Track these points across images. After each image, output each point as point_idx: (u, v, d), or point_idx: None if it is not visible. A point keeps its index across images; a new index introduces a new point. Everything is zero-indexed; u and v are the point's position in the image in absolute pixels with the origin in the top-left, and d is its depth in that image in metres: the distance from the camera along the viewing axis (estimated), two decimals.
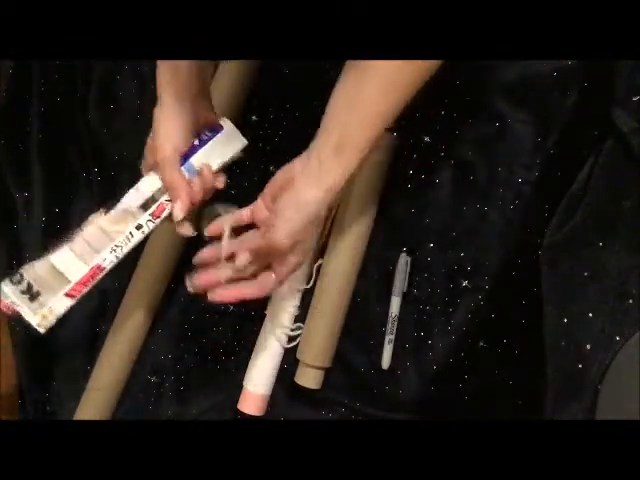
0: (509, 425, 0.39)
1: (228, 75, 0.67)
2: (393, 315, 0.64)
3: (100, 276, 0.52)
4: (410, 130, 0.64)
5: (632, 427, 0.36)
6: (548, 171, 0.61)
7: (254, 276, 0.52)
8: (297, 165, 0.49)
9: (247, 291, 0.52)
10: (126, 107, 0.75)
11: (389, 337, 0.64)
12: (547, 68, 0.60)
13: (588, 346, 0.44)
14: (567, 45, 0.39)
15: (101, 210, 0.51)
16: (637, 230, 0.44)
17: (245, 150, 0.55)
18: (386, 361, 0.64)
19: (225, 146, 0.54)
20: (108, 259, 0.51)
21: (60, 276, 0.50)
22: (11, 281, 0.49)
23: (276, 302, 0.66)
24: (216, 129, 0.54)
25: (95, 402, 0.70)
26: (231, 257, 0.51)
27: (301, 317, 0.67)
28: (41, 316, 0.49)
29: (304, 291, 0.67)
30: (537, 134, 0.61)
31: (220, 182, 0.54)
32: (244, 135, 0.56)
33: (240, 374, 0.68)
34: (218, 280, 0.52)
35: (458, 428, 0.40)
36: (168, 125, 0.50)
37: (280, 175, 0.50)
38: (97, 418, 0.69)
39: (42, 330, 0.50)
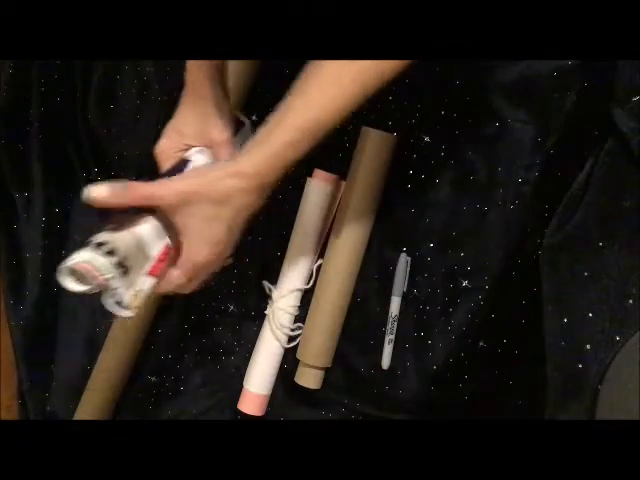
0: (509, 425, 0.39)
1: (228, 75, 0.67)
2: (393, 315, 0.64)
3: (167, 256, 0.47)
4: (410, 130, 0.64)
5: (632, 427, 0.36)
6: (548, 171, 0.61)
7: None
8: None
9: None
10: (126, 107, 0.75)
11: (389, 337, 0.64)
12: (547, 68, 0.60)
13: (588, 346, 0.44)
14: (567, 45, 0.39)
15: None
16: (637, 230, 0.44)
17: None
18: (386, 361, 0.64)
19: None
20: None
21: (144, 251, 0.44)
22: (99, 248, 0.41)
23: (276, 302, 0.66)
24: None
25: (95, 402, 0.70)
26: None
27: (301, 317, 0.67)
28: (133, 296, 0.43)
29: (304, 291, 0.67)
30: (537, 134, 0.61)
31: None
32: None
33: (240, 374, 0.68)
34: None
35: (458, 428, 0.40)
36: (212, 106, 0.51)
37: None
38: (97, 418, 0.69)
39: (129, 313, 0.43)
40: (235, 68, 0.67)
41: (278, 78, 0.69)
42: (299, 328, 0.67)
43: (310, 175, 0.66)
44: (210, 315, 0.71)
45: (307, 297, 0.67)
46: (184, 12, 0.41)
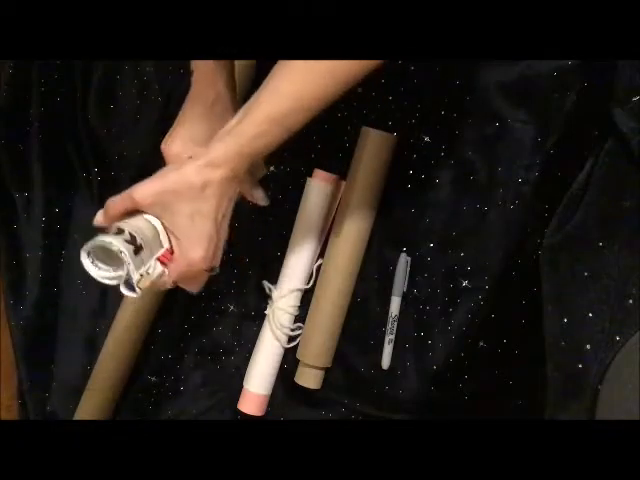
0: (509, 425, 0.39)
1: None
2: (393, 315, 0.64)
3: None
4: (410, 130, 0.64)
5: (632, 427, 0.36)
6: (548, 171, 0.61)
7: None
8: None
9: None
10: (126, 107, 0.75)
11: (389, 337, 0.64)
12: (547, 68, 0.60)
13: (588, 346, 0.44)
14: (567, 45, 0.39)
15: None
16: (637, 230, 0.44)
17: None
18: (386, 361, 0.64)
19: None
20: None
21: (156, 237, 0.46)
22: (111, 232, 0.44)
23: (276, 302, 0.66)
24: None
25: (95, 402, 0.70)
26: None
27: (301, 317, 0.67)
28: (140, 275, 0.44)
29: (304, 291, 0.67)
30: (537, 134, 0.61)
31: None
32: None
33: (240, 374, 0.68)
34: None
35: (458, 428, 0.40)
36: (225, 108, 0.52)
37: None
38: (97, 418, 0.69)
39: (135, 294, 0.44)
40: (235, 68, 0.67)
41: None
42: (299, 328, 0.67)
43: (310, 175, 0.66)
44: (210, 315, 0.71)
45: (307, 297, 0.67)
46: (184, 12, 0.41)
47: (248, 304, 0.70)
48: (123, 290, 0.44)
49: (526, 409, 0.61)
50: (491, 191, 0.62)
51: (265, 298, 0.68)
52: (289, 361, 0.67)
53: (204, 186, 0.44)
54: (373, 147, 0.63)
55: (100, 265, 0.43)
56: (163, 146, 0.53)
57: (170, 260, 0.47)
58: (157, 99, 0.73)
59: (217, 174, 0.44)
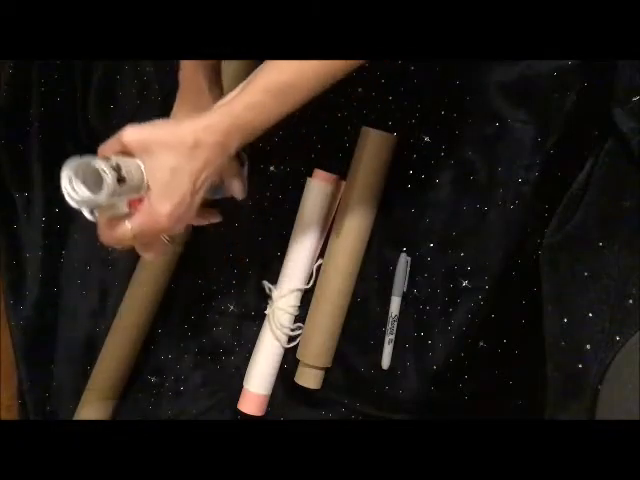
0: (509, 425, 0.39)
1: (229, 75, 0.67)
2: (393, 315, 0.64)
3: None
4: (410, 130, 0.64)
5: (632, 427, 0.36)
6: (548, 171, 0.61)
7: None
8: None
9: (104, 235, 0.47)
10: (126, 107, 0.75)
11: (389, 337, 0.64)
12: (547, 68, 0.60)
13: (588, 346, 0.44)
14: (567, 45, 0.39)
15: None
16: (637, 230, 0.44)
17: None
18: (386, 361, 0.64)
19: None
20: None
21: (140, 181, 0.44)
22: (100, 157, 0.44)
23: (276, 302, 0.66)
24: None
25: (95, 402, 0.70)
26: None
27: (301, 317, 0.67)
28: (111, 204, 0.44)
29: (304, 291, 0.67)
30: (537, 134, 0.61)
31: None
32: None
33: (240, 374, 0.68)
34: None
35: (458, 428, 0.40)
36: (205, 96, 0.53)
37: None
38: (97, 418, 0.69)
39: (93, 218, 0.44)
40: (235, 68, 0.67)
41: None
42: (299, 328, 0.67)
43: (310, 175, 0.66)
44: (210, 315, 0.71)
45: (307, 297, 0.67)
46: (184, 12, 0.41)
47: (248, 304, 0.70)
48: (85, 212, 0.44)
49: (526, 409, 0.61)
50: (491, 191, 0.62)
51: (265, 298, 0.68)
52: (289, 361, 0.67)
53: (195, 146, 0.44)
54: (373, 147, 0.63)
55: (76, 187, 0.43)
56: None
57: (136, 207, 0.46)
58: (157, 99, 0.73)
59: (210, 139, 0.44)
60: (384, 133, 0.63)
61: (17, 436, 0.39)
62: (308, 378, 0.65)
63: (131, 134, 0.44)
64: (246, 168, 0.58)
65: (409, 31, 0.39)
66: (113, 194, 0.42)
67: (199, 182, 0.46)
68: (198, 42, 0.43)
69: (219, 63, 0.55)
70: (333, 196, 0.66)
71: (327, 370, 0.66)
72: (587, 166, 0.52)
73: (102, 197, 0.42)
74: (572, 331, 0.46)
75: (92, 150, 0.78)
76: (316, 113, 0.66)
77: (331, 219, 0.66)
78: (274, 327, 0.66)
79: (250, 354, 0.68)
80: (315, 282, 0.66)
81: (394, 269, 0.64)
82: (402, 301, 0.64)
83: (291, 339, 0.67)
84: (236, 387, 0.68)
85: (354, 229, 0.63)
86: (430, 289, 0.64)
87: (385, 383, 0.65)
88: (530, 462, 0.36)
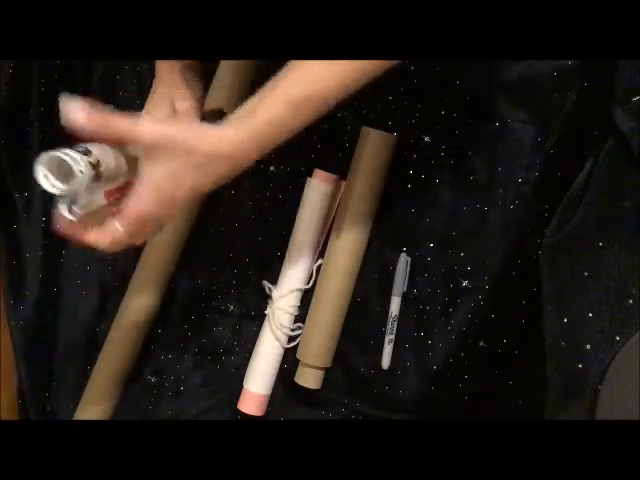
0: (509, 425, 0.39)
1: (228, 75, 0.67)
2: (393, 315, 0.64)
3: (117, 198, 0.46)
4: (410, 130, 0.64)
5: (632, 427, 0.36)
6: (548, 171, 0.61)
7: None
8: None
9: (91, 237, 0.46)
10: (126, 107, 0.74)
11: (389, 337, 0.64)
12: (547, 68, 0.60)
13: (588, 346, 0.44)
14: (567, 45, 0.39)
15: None
16: (637, 230, 0.44)
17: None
18: (386, 361, 0.64)
19: None
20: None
21: (117, 170, 0.44)
22: (78, 148, 0.42)
23: (276, 302, 0.66)
24: None
25: (95, 402, 0.70)
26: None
27: (301, 317, 0.67)
28: (85, 203, 0.43)
29: (304, 291, 0.67)
30: (537, 134, 0.61)
31: None
32: None
33: (240, 374, 0.68)
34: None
35: (458, 428, 0.40)
36: (181, 85, 0.51)
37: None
38: (97, 418, 0.69)
39: (72, 218, 0.43)
40: (235, 68, 0.67)
41: None
42: (299, 328, 0.67)
43: (310, 175, 0.66)
44: (210, 315, 0.71)
45: (307, 297, 0.67)
46: (184, 12, 0.41)
47: (248, 304, 0.70)
48: (62, 209, 0.43)
49: (526, 409, 0.61)
50: (491, 191, 0.62)
51: (265, 298, 0.68)
52: (289, 361, 0.67)
53: (207, 154, 0.43)
54: (373, 147, 0.63)
55: (50, 176, 0.42)
56: None
57: (114, 197, 0.45)
58: None
59: (224, 149, 0.43)
60: (384, 133, 0.63)
61: (17, 436, 0.39)
62: (308, 378, 0.65)
63: (151, 127, 0.43)
64: None
65: (409, 31, 0.39)
66: (87, 191, 0.42)
67: (197, 190, 0.45)
68: (199, 42, 0.43)
69: (197, 65, 0.54)
70: (333, 196, 0.66)
71: (327, 370, 0.66)
72: (587, 166, 0.52)
73: (75, 193, 0.41)
74: (572, 331, 0.46)
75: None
76: None
77: (331, 219, 0.66)
78: (274, 327, 0.66)
79: (250, 354, 0.68)
80: (315, 282, 0.66)
81: (394, 269, 0.64)
82: (402, 301, 0.64)
83: (291, 339, 0.67)
84: (236, 387, 0.68)
85: (354, 229, 0.63)
86: (430, 289, 0.64)
87: (385, 383, 0.65)
88: (530, 462, 0.36)
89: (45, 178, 0.42)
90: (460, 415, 0.63)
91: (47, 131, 0.76)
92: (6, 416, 0.75)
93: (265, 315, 0.67)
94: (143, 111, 0.54)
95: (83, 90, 0.75)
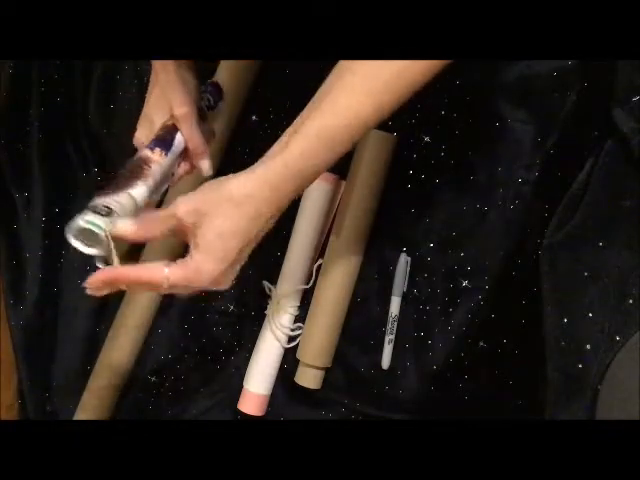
0: (509, 425, 0.39)
1: (228, 75, 0.67)
2: (393, 315, 0.64)
3: None
4: (410, 130, 0.64)
5: (632, 427, 0.36)
6: (548, 171, 0.61)
7: None
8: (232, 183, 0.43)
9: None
10: (126, 107, 0.75)
11: (389, 337, 0.64)
12: (547, 68, 0.60)
13: (588, 346, 0.44)
14: (567, 45, 0.39)
15: (160, 151, 0.52)
16: (637, 230, 0.44)
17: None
18: (386, 361, 0.64)
19: None
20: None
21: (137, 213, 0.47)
22: (100, 210, 0.44)
23: (276, 302, 0.66)
24: None
25: (95, 402, 0.70)
26: None
27: (301, 317, 0.67)
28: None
29: (304, 291, 0.67)
30: (537, 134, 0.61)
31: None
32: (244, 134, 0.56)
33: (240, 374, 0.68)
34: None
35: (458, 428, 0.40)
36: (177, 86, 0.51)
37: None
38: (97, 418, 0.69)
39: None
40: (235, 68, 0.67)
41: (278, 78, 0.69)
42: (299, 328, 0.67)
43: None
44: (210, 315, 0.71)
45: (307, 297, 0.67)
46: (184, 12, 0.41)
47: (248, 304, 0.70)
48: (100, 265, 0.45)
49: (526, 409, 0.61)
50: (491, 191, 0.62)
51: (265, 298, 0.68)
52: (289, 361, 0.67)
53: (241, 203, 0.42)
54: (373, 147, 0.63)
55: (79, 243, 0.44)
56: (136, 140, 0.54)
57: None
58: None
59: (257, 191, 0.42)
60: (384, 133, 0.63)
61: (17, 436, 0.39)
62: (308, 378, 0.65)
63: (184, 206, 0.43)
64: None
65: (409, 31, 0.39)
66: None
67: (249, 240, 0.44)
68: (199, 42, 0.43)
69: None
70: (333, 196, 0.66)
71: (327, 370, 0.66)
72: (587, 166, 0.52)
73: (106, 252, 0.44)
74: (572, 331, 0.46)
75: (92, 151, 0.78)
76: None
77: (331, 219, 0.66)
78: (274, 327, 0.66)
79: (250, 354, 0.68)
80: (315, 282, 0.66)
81: (394, 269, 0.64)
82: (402, 301, 0.64)
83: (291, 339, 0.67)
84: (236, 387, 0.68)
85: (354, 229, 0.63)
86: (430, 289, 0.64)
87: (385, 383, 0.65)
88: (530, 462, 0.36)
89: (77, 244, 0.44)
90: (460, 415, 0.63)
91: (47, 131, 0.76)
92: (6, 416, 0.75)
93: (265, 315, 0.67)
94: (142, 113, 0.54)
95: (83, 90, 0.75)
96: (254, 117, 0.70)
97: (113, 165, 0.74)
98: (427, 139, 0.64)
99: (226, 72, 0.67)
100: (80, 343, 0.74)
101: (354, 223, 0.63)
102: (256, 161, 0.45)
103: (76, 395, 0.71)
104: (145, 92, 0.75)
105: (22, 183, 0.76)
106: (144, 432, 0.40)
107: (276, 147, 0.43)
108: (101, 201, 0.45)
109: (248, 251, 0.45)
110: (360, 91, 0.41)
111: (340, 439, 0.39)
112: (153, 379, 0.72)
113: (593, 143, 0.54)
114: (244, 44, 0.42)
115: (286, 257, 0.67)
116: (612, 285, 0.44)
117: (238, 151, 0.70)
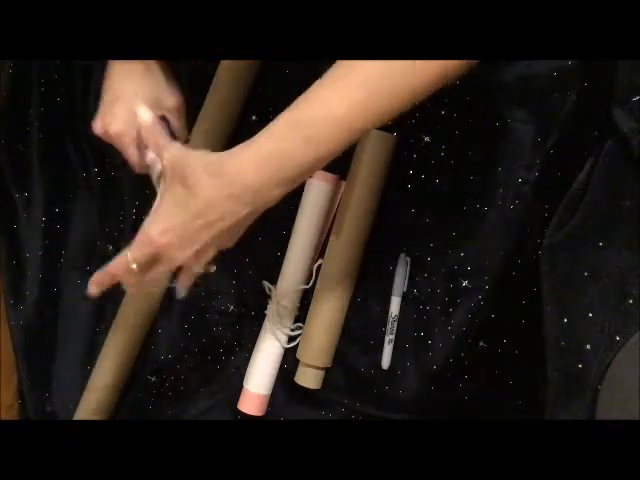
0: (509, 425, 0.39)
1: (228, 75, 0.67)
2: (393, 315, 0.64)
3: None
4: (410, 130, 0.64)
5: (632, 427, 0.36)
6: (548, 171, 0.61)
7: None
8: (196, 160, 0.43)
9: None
10: None
11: (389, 337, 0.64)
12: (547, 68, 0.60)
13: (588, 346, 0.44)
14: (567, 45, 0.39)
15: None
16: (637, 230, 0.44)
17: None
18: (386, 361, 0.64)
19: None
20: None
21: None
22: None
23: (276, 302, 0.66)
24: None
25: (95, 402, 0.70)
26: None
27: (301, 317, 0.67)
28: None
29: (304, 291, 0.67)
30: (537, 134, 0.61)
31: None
32: (244, 134, 0.56)
33: (240, 374, 0.68)
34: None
35: (458, 428, 0.40)
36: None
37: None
38: (97, 418, 0.69)
39: None
40: (235, 68, 0.67)
41: (278, 78, 0.69)
42: (299, 328, 0.66)
43: (310, 175, 0.66)
44: (210, 315, 0.71)
45: (307, 297, 0.67)
46: (184, 12, 0.41)
47: (248, 304, 0.70)
48: None
49: (526, 409, 0.61)
50: (491, 191, 0.62)
51: (265, 298, 0.68)
52: (289, 361, 0.67)
53: (207, 199, 0.42)
54: (373, 147, 0.63)
55: None
56: (99, 127, 0.53)
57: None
58: None
59: (224, 189, 0.42)
60: (384, 133, 0.63)
61: (17, 436, 0.39)
62: (308, 378, 0.65)
63: (173, 152, 0.45)
64: None
65: (408, 31, 0.39)
66: None
67: (205, 221, 0.43)
68: (199, 42, 0.43)
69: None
70: (333, 196, 0.66)
71: (327, 370, 0.66)
72: (587, 166, 0.52)
73: None
74: (572, 331, 0.46)
75: (92, 151, 0.78)
76: None
77: (331, 219, 0.66)
78: (274, 327, 0.66)
79: (250, 354, 0.68)
80: (315, 282, 0.66)
81: (394, 269, 0.64)
82: (402, 301, 0.64)
83: (291, 339, 0.67)
84: (236, 387, 0.68)
85: (354, 229, 0.63)
86: (430, 289, 0.64)
87: (385, 383, 0.65)
88: (530, 462, 0.36)
89: None
90: (460, 415, 0.63)
91: (47, 131, 0.76)
92: (6, 416, 0.75)
93: (265, 315, 0.67)
94: (109, 98, 0.54)
95: (83, 90, 0.75)
96: (254, 117, 0.69)
97: (113, 165, 0.74)
98: (427, 139, 0.64)
99: (226, 72, 0.67)
100: (80, 343, 0.74)
101: (354, 223, 0.63)
102: None
103: (76, 395, 0.71)
104: None
105: (22, 183, 0.76)
106: (144, 432, 0.40)
107: (248, 141, 0.43)
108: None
109: (207, 235, 0.44)
110: (333, 87, 0.40)
111: (340, 439, 0.39)
112: (153, 379, 0.72)
113: (593, 143, 0.54)
114: (244, 44, 0.42)
115: (286, 257, 0.67)
116: (612, 285, 0.44)
117: None
